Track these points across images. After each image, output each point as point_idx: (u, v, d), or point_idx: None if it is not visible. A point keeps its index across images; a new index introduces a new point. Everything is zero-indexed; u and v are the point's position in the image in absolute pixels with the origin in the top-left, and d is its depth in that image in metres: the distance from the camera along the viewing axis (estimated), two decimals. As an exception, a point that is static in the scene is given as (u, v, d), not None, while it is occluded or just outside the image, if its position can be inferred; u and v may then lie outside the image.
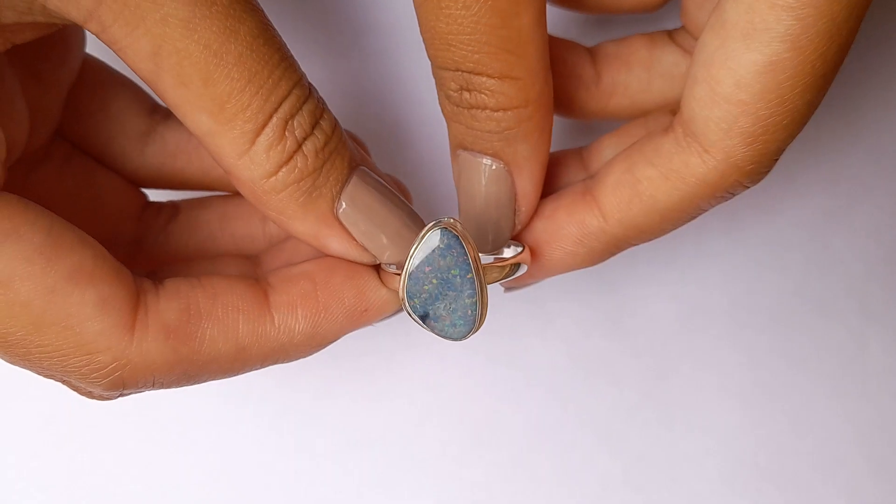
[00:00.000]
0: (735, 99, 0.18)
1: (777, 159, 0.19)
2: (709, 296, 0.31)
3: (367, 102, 0.29)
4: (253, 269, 0.23)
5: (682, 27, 0.23)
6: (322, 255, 0.20)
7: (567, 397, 0.31)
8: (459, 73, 0.18)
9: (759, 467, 0.31)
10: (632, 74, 0.23)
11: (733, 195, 0.19)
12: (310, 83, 0.19)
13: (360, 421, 0.30)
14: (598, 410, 0.31)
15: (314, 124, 0.18)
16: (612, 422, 0.31)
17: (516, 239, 0.21)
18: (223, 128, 0.17)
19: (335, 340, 0.20)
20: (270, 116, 0.17)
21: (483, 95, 0.18)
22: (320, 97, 0.19)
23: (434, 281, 0.19)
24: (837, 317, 0.32)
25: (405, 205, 0.20)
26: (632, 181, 0.20)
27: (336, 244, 0.20)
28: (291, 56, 0.18)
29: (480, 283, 0.19)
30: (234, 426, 0.30)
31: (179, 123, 0.24)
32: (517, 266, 0.20)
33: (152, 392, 0.23)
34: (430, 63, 0.19)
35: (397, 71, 0.29)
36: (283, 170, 0.18)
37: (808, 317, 0.32)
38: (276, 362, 0.20)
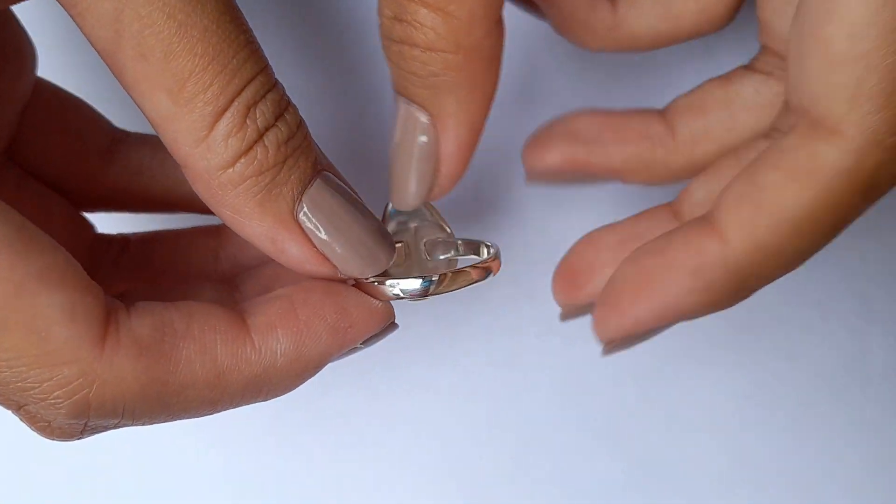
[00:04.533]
0: (854, 53, 0.15)
1: None
2: (709, 296, 0.31)
3: (369, 102, 0.29)
4: (229, 294, 0.22)
5: (761, 51, 0.22)
6: (299, 279, 0.19)
7: (567, 397, 0.31)
8: None
9: (759, 467, 0.31)
10: (710, 117, 0.21)
11: (881, 190, 0.16)
12: (275, 77, 0.17)
13: (359, 421, 0.30)
14: (598, 410, 0.31)
15: (278, 115, 0.17)
16: (612, 422, 0.31)
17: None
18: (182, 109, 0.16)
19: (321, 365, 0.19)
20: (232, 100, 0.16)
21: (412, 28, 0.17)
22: (286, 93, 0.18)
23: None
24: (837, 317, 0.32)
25: (372, 215, 0.19)
26: (754, 192, 0.17)
27: (294, 250, 0.18)
28: (257, 42, 0.17)
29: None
30: (232, 426, 0.30)
31: (141, 141, 0.23)
32: (487, 271, 0.19)
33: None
34: None
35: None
36: (242, 160, 0.17)
37: (808, 317, 0.32)
38: (259, 394, 0.18)
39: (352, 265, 0.18)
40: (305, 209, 0.18)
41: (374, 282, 0.19)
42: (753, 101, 0.21)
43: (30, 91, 0.21)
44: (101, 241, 0.23)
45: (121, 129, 0.23)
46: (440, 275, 0.19)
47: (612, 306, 0.19)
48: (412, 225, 0.21)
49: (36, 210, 0.21)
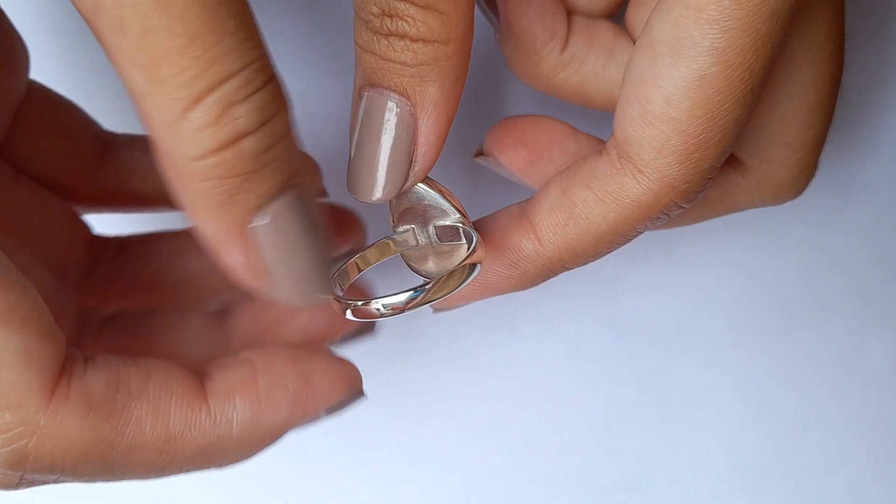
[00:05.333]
0: (666, 117, 0.18)
1: (711, 178, 0.19)
2: (708, 295, 0.31)
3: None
4: (215, 328, 0.21)
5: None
6: (268, 340, 0.19)
7: (566, 397, 0.31)
8: None
9: (759, 467, 0.31)
10: (591, 52, 0.23)
11: (668, 216, 0.19)
12: (273, 73, 0.16)
13: (359, 421, 0.30)
14: (598, 410, 0.31)
15: (263, 121, 0.16)
16: (611, 422, 0.31)
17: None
18: (155, 89, 0.15)
19: (281, 436, 0.18)
20: (209, 91, 0.15)
21: (404, 22, 0.17)
22: (283, 93, 0.17)
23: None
24: (837, 317, 0.32)
25: (325, 249, 0.18)
26: (567, 204, 0.20)
27: (232, 259, 0.17)
28: (255, 34, 0.16)
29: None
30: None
31: (130, 143, 0.23)
32: (473, 267, 0.19)
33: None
34: None
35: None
36: (212, 159, 0.16)
37: (808, 317, 0.32)
38: (211, 461, 0.18)
39: (281, 293, 0.18)
40: (263, 222, 0.17)
41: (356, 303, 0.19)
42: (624, 65, 0.22)
43: (23, 92, 0.21)
44: (98, 241, 0.23)
45: (109, 131, 0.23)
46: (428, 285, 0.19)
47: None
48: (424, 204, 0.21)
49: (32, 208, 0.21)
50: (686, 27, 0.17)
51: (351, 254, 0.21)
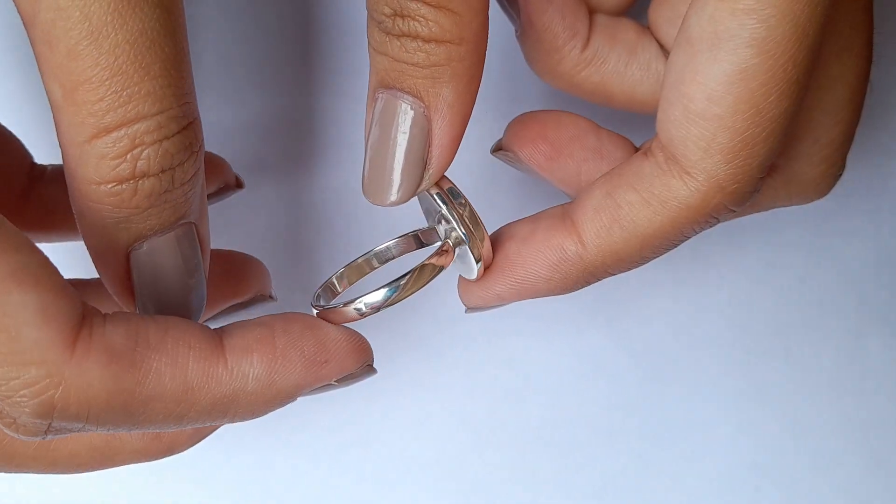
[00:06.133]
0: (710, 114, 0.17)
1: (761, 178, 0.18)
2: (708, 295, 0.31)
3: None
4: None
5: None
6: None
7: (567, 397, 0.31)
8: None
9: (758, 467, 0.31)
10: (613, 51, 0.22)
11: (717, 220, 0.19)
12: (191, 121, 0.17)
13: (359, 421, 0.30)
14: (598, 411, 0.31)
15: (164, 168, 0.17)
16: (611, 422, 0.31)
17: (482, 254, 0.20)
18: (70, 108, 0.16)
19: (293, 397, 0.19)
20: (118, 126, 0.16)
21: (416, 23, 0.17)
22: (195, 142, 0.17)
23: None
24: (837, 316, 0.32)
25: (195, 288, 0.19)
26: (612, 206, 0.19)
27: (107, 275, 0.18)
28: (181, 83, 0.17)
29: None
30: (231, 426, 0.30)
31: (58, 177, 0.23)
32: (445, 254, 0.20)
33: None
34: None
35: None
36: (109, 187, 0.16)
37: (808, 316, 0.32)
38: (225, 415, 0.18)
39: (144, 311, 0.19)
40: (143, 248, 0.18)
41: (337, 306, 0.19)
42: (648, 65, 0.22)
43: None
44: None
45: (39, 165, 0.23)
46: (404, 277, 0.19)
47: (478, 281, 0.21)
48: (427, 207, 0.21)
49: None
50: (723, 20, 0.17)
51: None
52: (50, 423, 0.16)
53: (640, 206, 0.19)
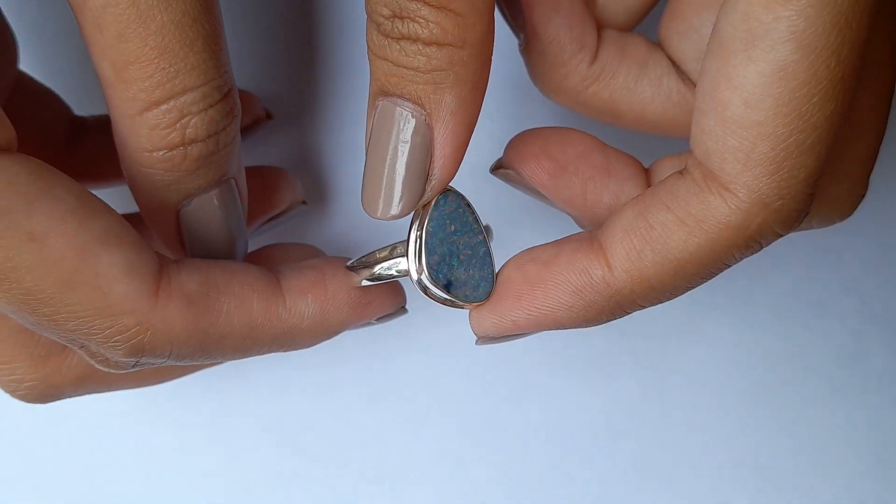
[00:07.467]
0: (748, 121, 0.16)
1: (811, 194, 0.16)
2: (708, 295, 0.31)
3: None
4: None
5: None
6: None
7: (566, 397, 0.31)
8: None
9: (759, 467, 0.31)
10: (623, 65, 0.21)
11: (762, 245, 0.17)
12: (230, 89, 0.18)
13: (359, 421, 0.30)
14: (598, 410, 0.31)
15: (210, 134, 0.18)
16: (611, 421, 0.31)
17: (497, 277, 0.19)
18: (120, 85, 0.17)
19: (339, 331, 0.20)
20: (168, 99, 0.17)
21: (416, 25, 0.16)
22: (235, 108, 0.19)
23: (445, 248, 0.19)
24: (837, 316, 0.32)
25: (241, 235, 0.21)
26: (644, 227, 0.17)
27: (159, 230, 0.20)
28: (220, 54, 0.18)
29: (485, 237, 0.19)
30: (231, 426, 0.30)
31: (100, 124, 0.24)
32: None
33: (148, 390, 0.24)
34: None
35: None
36: (160, 153, 0.18)
37: (808, 317, 0.32)
38: (282, 346, 0.20)
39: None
40: (188, 208, 0.20)
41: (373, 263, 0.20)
42: (658, 80, 0.22)
43: (12, 85, 0.22)
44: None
45: (80, 116, 0.25)
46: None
47: (492, 306, 0.19)
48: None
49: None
50: (757, 15, 0.15)
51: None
52: (138, 360, 0.18)
53: (675, 226, 0.17)
